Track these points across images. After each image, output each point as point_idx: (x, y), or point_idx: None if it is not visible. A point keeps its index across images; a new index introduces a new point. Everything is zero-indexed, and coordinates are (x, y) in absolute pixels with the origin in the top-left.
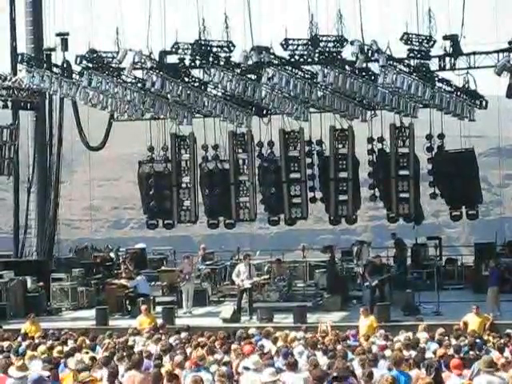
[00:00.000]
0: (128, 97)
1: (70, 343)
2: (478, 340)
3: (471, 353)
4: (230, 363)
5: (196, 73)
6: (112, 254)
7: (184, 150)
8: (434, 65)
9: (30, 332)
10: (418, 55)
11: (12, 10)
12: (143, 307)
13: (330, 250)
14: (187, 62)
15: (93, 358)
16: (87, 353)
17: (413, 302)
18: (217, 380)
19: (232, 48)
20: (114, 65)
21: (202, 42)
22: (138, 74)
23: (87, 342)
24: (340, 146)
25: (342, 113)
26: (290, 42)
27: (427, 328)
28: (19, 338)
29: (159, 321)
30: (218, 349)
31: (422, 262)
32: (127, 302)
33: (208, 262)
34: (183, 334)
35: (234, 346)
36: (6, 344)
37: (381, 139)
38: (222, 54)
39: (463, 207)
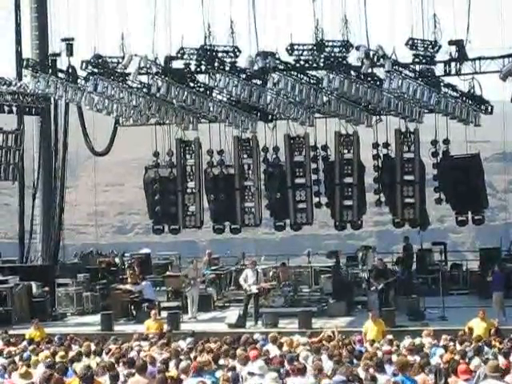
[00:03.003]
0: (133, 102)
1: (76, 348)
2: (483, 345)
3: (476, 358)
4: (235, 368)
5: (201, 78)
6: (117, 260)
7: (189, 155)
8: (439, 70)
9: (35, 337)
10: (424, 60)
11: (17, 16)
12: (153, 312)
13: (336, 256)
14: (193, 67)
15: (99, 364)
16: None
17: (418, 307)
18: None
19: (237, 53)
20: (119, 70)
21: (208, 48)
22: (144, 79)
23: (93, 347)
24: (345, 151)
25: (347, 118)
26: (296, 47)
27: (432, 333)
28: (24, 343)
29: (165, 327)
30: (224, 354)
31: (428, 267)
32: (132, 307)
33: (213, 267)
34: (188, 340)
35: (239, 351)
36: (11, 349)
37: (386, 144)
38: (228, 60)
39: (469, 212)
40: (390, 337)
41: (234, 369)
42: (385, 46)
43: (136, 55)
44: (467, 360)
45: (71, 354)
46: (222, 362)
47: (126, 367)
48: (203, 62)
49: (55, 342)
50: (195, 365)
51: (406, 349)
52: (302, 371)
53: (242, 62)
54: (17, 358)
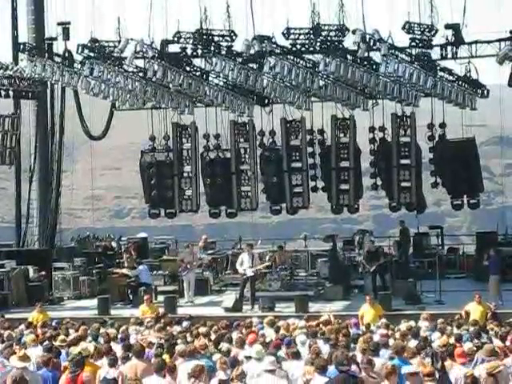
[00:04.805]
0: (129, 86)
1: (72, 332)
2: (479, 329)
3: (474, 342)
4: (231, 351)
5: (198, 62)
6: (114, 244)
7: (185, 140)
8: (435, 54)
9: (38, 321)
10: (420, 44)
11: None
12: (146, 297)
13: (332, 239)
14: (189, 52)
15: (96, 347)
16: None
17: (414, 290)
18: (219, 367)
19: (234, 37)
20: (115, 54)
21: (204, 31)
22: (140, 63)
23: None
24: (341, 135)
25: (343, 102)
26: (292, 31)
27: (429, 317)
28: (21, 327)
29: (161, 310)
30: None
31: (424, 251)
32: (129, 291)
33: (209, 251)
34: (185, 324)
35: (235, 335)
36: (7, 333)
37: (382, 128)
38: (224, 43)
39: (464, 196)
40: (383, 320)
41: (229, 352)
42: (381, 29)
43: (132, 39)
44: (463, 344)
45: (65, 337)
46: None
47: (123, 351)
48: (199, 46)
49: (50, 325)
50: (185, 349)
51: (402, 333)
52: (296, 355)
53: (238, 46)
54: (14, 342)
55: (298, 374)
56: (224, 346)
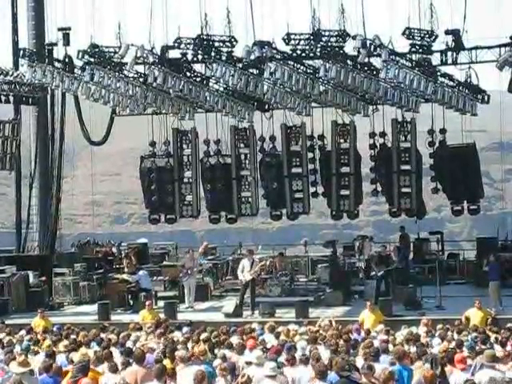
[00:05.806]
0: (130, 91)
1: (73, 338)
2: (480, 334)
3: (476, 348)
4: (230, 357)
5: (198, 67)
6: (114, 249)
7: (186, 145)
8: (435, 59)
9: (39, 327)
10: (420, 50)
11: (14, 5)
12: (148, 302)
13: (332, 245)
14: (189, 57)
15: (96, 353)
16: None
17: (415, 296)
18: (219, 374)
19: (234, 43)
20: (115, 59)
21: (204, 37)
22: (140, 68)
23: (90, 336)
24: (342, 140)
25: (343, 107)
26: (292, 36)
27: (429, 323)
28: (21, 332)
29: (162, 316)
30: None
31: (424, 257)
32: (129, 297)
33: (210, 257)
34: (185, 329)
35: (235, 341)
36: (7, 339)
37: (382, 134)
38: (224, 49)
39: (465, 202)
40: (381, 326)
41: (229, 358)
42: (381, 35)
43: (133, 45)
44: (464, 349)
45: (67, 343)
46: (216, 351)
47: (123, 356)
48: (200, 52)
49: (53, 331)
50: (186, 355)
51: (402, 338)
52: (304, 361)
53: (238, 52)
54: (16, 348)
55: (306, 379)
56: (220, 351)
